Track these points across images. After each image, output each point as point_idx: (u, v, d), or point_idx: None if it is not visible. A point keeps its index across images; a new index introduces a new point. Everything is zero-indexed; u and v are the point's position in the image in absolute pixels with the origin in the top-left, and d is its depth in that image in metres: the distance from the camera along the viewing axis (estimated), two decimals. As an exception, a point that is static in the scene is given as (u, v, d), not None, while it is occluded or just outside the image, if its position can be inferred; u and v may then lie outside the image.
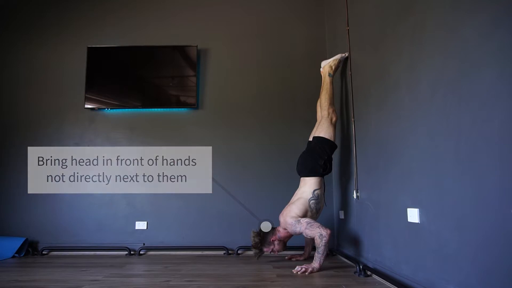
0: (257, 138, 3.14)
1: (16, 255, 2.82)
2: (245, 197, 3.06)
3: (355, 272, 2.06)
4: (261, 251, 2.35)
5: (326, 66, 2.68)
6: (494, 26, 1.14)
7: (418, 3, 1.62)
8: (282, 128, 3.12)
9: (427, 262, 1.52)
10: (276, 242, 2.36)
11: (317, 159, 2.38)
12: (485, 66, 1.18)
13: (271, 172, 3.08)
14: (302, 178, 2.45)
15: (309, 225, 2.17)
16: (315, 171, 2.37)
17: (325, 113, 2.51)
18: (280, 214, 2.38)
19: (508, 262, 1.07)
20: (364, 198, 2.29)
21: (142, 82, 3.19)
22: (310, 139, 2.53)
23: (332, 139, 2.44)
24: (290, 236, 2.37)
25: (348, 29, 2.61)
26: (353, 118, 2.46)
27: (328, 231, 2.10)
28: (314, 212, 2.33)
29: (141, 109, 3.21)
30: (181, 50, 3.20)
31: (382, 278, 1.85)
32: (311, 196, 2.33)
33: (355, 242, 2.44)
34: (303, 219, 2.22)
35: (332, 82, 2.62)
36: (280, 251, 2.41)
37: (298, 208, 2.29)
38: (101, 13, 3.35)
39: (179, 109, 3.22)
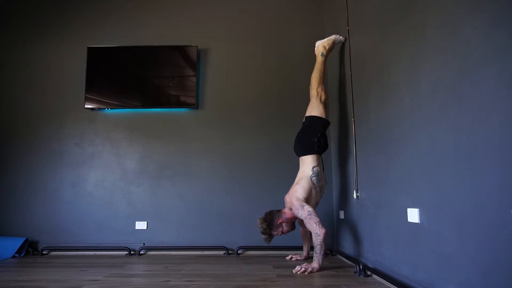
0: (257, 137, 3.14)
1: (16, 255, 2.82)
2: (245, 197, 3.06)
3: (355, 272, 2.06)
4: (271, 235, 2.38)
5: (320, 46, 2.71)
6: (494, 26, 1.14)
7: (418, 3, 1.62)
8: (282, 127, 3.12)
9: (427, 262, 1.52)
10: (284, 224, 2.38)
11: (310, 137, 2.43)
12: (485, 66, 1.18)
13: (272, 171, 3.08)
14: (300, 158, 2.48)
15: (309, 216, 2.17)
16: (310, 149, 2.41)
17: (314, 92, 2.57)
18: (286, 194, 2.41)
19: (508, 262, 1.07)
20: (364, 198, 2.29)
21: (142, 82, 3.19)
22: (304, 120, 2.58)
23: (323, 116, 2.49)
24: (296, 216, 2.37)
25: (348, 29, 2.62)
26: (353, 118, 2.46)
27: (323, 230, 2.10)
28: (318, 189, 2.37)
29: (141, 109, 3.21)
30: (181, 50, 3.20)
31: (382, 278, 1.85)
32: (312, 173, 2.36)
33: (355, 242, 2.44)
34: (307, 206, 2.22)
35: (324, 62, 2.66)
36: (290, 231, 2.43)
37: (302, 188, 2.32)
38: (101, 13, 3.35)
39: (179, 109, 3.22)
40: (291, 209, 2.34)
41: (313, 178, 2.35)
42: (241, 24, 3.34)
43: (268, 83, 3.24)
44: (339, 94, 2.86)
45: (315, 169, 2.37)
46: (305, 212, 2.19)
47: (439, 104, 1.44)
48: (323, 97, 2.54)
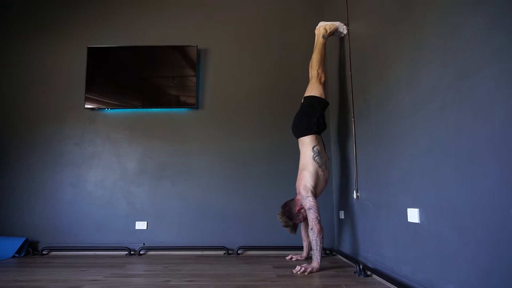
0: (258, 137, 3.15)
1: (16, 255, 2.82)
2: (245, 197, 3.06)
3: (355, 272, 2.06)
4: (294, 225, 2.41)
5: (322, 27, 2.70)
6: (494, 26, 1.14)
7: (418, 3, 1.62)
8: (282, 127, 3.12)
9: (427, 262, 1.52)
10: (302, 210, 2.40)
11: (310, 117, 2.44)
12: (485, 66, 1.18)
13: (272, 171, 3.08)
14: (299, 140, 2.48)
15: (309, 210, 2.22)
16: (309, 129, 2.41)
17: (314, 73, 2.57)
18: (297, 181, 2.43)
19: (508, 262, 1.07)
20: (364, 198, 2.29)
21: (142, 82, 3.19)
22: (303, 100, 2.59)
23: (322, 96, 2.50)
24: None
25: (348, 29, 2.62)
26: (353, 117, 2.46)
27: (318, 227, 2.15)
28: (324, 167, 2.38)
29: (141, 109, 3.21)
30: (181, 50, 3.20)
31: (382, 278, 1.85)
32: (313, 153, 2.37)
33: (355, 242, 2.44)
34: (311, 198, 2.25)
35: (324, 44, 2.66)
36: None
37: (309, 173, 2.33)
38: (101, 13, 3.35)
39: (179, 109, 3.22)
40: None
41: (316, 158, 2.36)
42: (241, 24, 3.34)
43: (268, 83, 3.24)
44: (339, 94, 2.86)
45: (315, 148, 2.38)
46: (307, 204, 2.25)
47: (439, 104, 1.44)
48: (322, 78, 2.55)
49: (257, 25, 3.34)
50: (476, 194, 1.22)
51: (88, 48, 3.19)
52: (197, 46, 3.20)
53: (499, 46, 1.12)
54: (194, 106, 3.16)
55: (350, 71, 2.54)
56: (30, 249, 2.93)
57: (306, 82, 3.20)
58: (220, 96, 3.23)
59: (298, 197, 2.42)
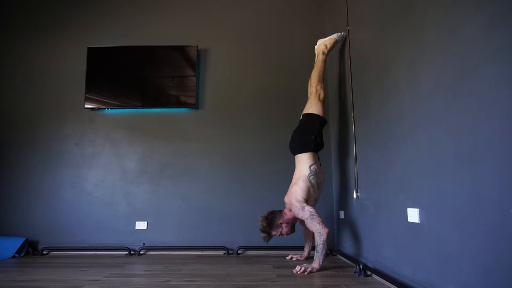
0: (258, 137, 3.14)
1: (16, 255, 2.82)
2: (245, 197, 3.06)
3: (355, 272, 2.06)
4: (270, 234, 2.36)
5: (321, 44, 2.71)
6: (494, 26, 1.14)
7: (418, 3, 1.62)
8: (282, 127, 3.12)
9: (427, 262, 1.52)
10: (284, 225, 2.36)
11: (307, 134, 2.42)
12: (485, 66, 1.18)
13: (272, 170, 3.08)
14: (296, 156, 2.46)
15: (311, 217, 2.16)
16: (307, 146, 2.39)
17: (313, 90, 2.56)
18: (286, 195, 2.39)
19: (508, 262, 1.07)
20: (364, 198, 2.29)
21: (142, 82, 3.19)
22: (301, 117, 2.57)
23: (321, 114, 2.48)
24: (297, 218, 2.36)
25: (348, 29, 2.62)
26: (353, 118, 2.46)
27: (326, 230, 2.11)
28: (316, 187, 2.35)
29: (141, 109, 3.21)
30: (181, 50, 3.20)
31: (382, 278, 1.85)
32: (309, 172, 2.34)
33: (355, 242, 2.44)
34: (308, 207, 2.21)
35: (324, 61, 2.67)
36: (289, 233, 2.41)
37: (301, 188, 2.30)
38: (101, 13, 3.35)
39: (179, 109, 3.22)
40: (291, 210, 2.33)
41: (311, 177, 2.33)
42: (241, 24, 3.34)
43: (268, 83, 3.24)
44: (339, 94, 2.86)
45: (312, 167, 2.36)
46: (306, 213, 2.19)
47: (439, 104, 1.44)
48: (321, 95, 2.53)
49: (257, 25, 3.34)
50: (476, 194, 1.22)
51: (88, 48, 3.19)
52: (197, 46, 3.20)
53: (499, 46, 1.12)
54: (194, 106, 3.16)
55: (350, 71, 2.54)
56: (30, 249, 2.93)
57: (306, 82, 3.20)
58: (220, 96, 3.23)
59: (285, 210, 2.39)
